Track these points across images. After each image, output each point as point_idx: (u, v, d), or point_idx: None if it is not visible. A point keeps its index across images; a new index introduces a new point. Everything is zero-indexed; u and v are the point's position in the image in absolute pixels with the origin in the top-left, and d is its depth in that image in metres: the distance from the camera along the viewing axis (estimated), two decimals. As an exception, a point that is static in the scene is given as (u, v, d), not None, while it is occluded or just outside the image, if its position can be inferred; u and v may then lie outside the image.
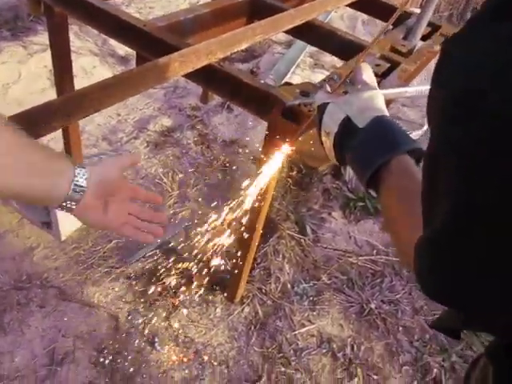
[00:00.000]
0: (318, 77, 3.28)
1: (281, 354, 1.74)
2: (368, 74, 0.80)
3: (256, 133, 2.74)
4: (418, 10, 2.18)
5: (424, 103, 0.45)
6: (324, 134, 0.78)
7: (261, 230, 1.62)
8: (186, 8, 1.49)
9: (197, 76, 1.22)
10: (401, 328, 1.93)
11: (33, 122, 0.84)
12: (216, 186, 2.30)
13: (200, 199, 2.23)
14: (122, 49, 3.10)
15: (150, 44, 1.31)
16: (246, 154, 2.56)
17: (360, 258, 2.18)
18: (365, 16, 4.30)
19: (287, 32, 1.57)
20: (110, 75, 2.88)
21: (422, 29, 1.75)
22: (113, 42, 3.13)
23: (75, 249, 1.90)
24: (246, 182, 1.36)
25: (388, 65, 1.49)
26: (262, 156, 1.29)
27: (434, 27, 1.86)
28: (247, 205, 1.51)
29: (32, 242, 1.91)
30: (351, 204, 2.44)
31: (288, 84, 1.25)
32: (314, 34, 1.62)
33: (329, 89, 0.89)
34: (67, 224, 1.90)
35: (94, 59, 2.89)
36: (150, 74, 1.05)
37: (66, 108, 0.89)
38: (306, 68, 3.36)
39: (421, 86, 1.03)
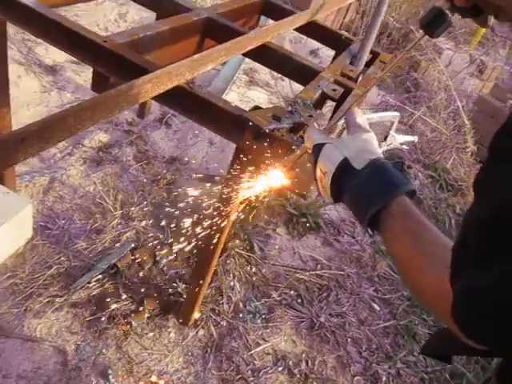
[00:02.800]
0: (255, 94, 3.34)
1: (239, 376, 1.72)
2: (361, 117, 0.83)
3: (197, 150, 2.71)
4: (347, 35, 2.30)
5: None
6: (320, 173, 0.80)
7: (220, 250, 1.60)
8: (145, 25, 1.45)
9: (166, 98, 1.18)
10: (349, 340, 2.01)
11: (8, 148, 0.76)
12: (161, 205, 2.24)
13: (145, 219, 2.15)
14: (50, 57, 2.91)
15: (112, 61, 1.25)
16: (188, 172, 2.51)
17: (306, 273, 2.24)
18: (292, 35, 4.47)
19: (245, 54, 1.58)
20: (38, 86, 2.69)
21: (366, 55, 1.87)
22: (39, 49, 2.93)
23: (10, 278, 1.73)
24: (207, 202, 1.34)
25: (342, 89, 1.56)
26: (229, 179, 1.28)
27: (374, 54, 1.98)
28: (206, 225, 1.49)
29: (-42, 271, 1.71)
30: (294, 220, 2.50)
31: (257, 108, 1.26)
32: (270, 56, 1.65)
33: (316, 126, 0.91)
34: (1, 250, 1.73)
35: (18, 68, 2.68)
36: (124, 97, 1.01)
37: (43, 133, 0.82)
38: (242, 85, 3.39)
39: (383, 113, 1.10)
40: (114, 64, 1.25)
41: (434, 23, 0.72)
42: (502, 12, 0.63)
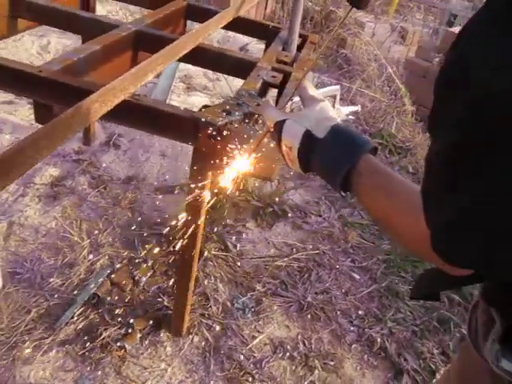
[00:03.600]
0: (196, 99, 3.35)
1: (243, 371, 1.74)
2: (312, 90, 0.88)
3: (151, 164, 2.70)
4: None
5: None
6: (285, 148, 0.83)
7: (198, 255, 1.62)
8: (75, 48, 1.44)
9: (114, 115, 1.18)
10: (338, 312, 2.07)
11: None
12: (128, 226, 2.21)
13: (115, 242, 2.13)
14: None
15: (52, 90, 1.24)
16: (148, 187, 2.50)
17: (284, 259, 2.28)
18: (218, 36, 4.51)
19: (181, 59, 1.60)
20: (-28, 134, 2.58)
21: (296, 39, 1.93)
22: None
23: (-10, 331, 1.68)
24: (179, 214, 1.34)
25: (281, 75, 1.62)
26: (192, 182, 1.30)
27: (303, 38, 2.05)
28: (178, 234, 1.50)
29: None
30: (260, 212, 2.54)
31: (206, 106, 1.28)
32: (206, 57, 1.68)
33: (273, 104, 0.95)
34: (-26, 306, 1.67)
35: None
36: (74, 120, 1.01)
37: (2, 169, 0.81)
38: (181, 93, 3.40)
39: (324, 89, 1.16)
40: (55, 92, 1.24)
41: None
42: None
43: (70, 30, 1.85)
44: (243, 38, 4.21)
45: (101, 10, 4.00)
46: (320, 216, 2.67)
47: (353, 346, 1.94)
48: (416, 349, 1.97)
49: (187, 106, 3.24)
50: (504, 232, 0.50)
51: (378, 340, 1.97)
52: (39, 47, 3.61)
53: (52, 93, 1.23)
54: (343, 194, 0.78)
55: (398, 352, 1.95)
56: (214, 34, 3.79)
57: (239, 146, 1.14)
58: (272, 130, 0.86)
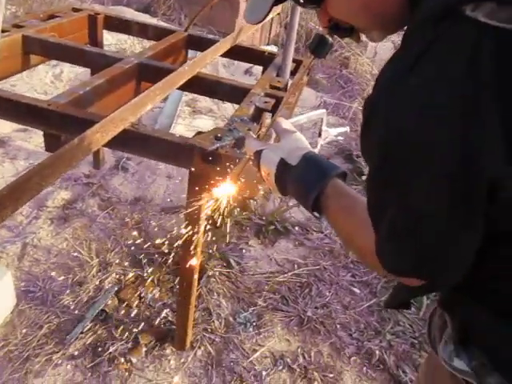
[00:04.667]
0: (201, 122, 3.48)
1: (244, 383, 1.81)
2: (286, 124, 0.98)
3: (157, 186, 2.82)
4: (268, 48, 2.47)
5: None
6: (265, 175, 0.93)
7: (198, 272, 1.71)
8: (82, 82, 1.57)
9: (116, 143, 1.30)
10: (338, 326, 2.13)
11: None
12: (135, 245, 2.32)
13: (122, 261, 2.23)
14: (-5, 132, 2.97)
15: (59, 121, 1.36)
16: (154, 208, 2.61)
17: (285, 275, 2.36)
18: (224, 60, 4.67)
19: (181, 88, 1.72)
20: (-11, 161, 2.74)
21: (290, 65, 2.04)
22: (-18, 127, 2.98)
23: (4, 346, 1.78)
24: (176, 231, 1.44)
25: (273, 100, 1.72)
26: (188, 204, 1.40)
27: (297, 62, 2.16)
28: (179, 251, 1.60)
29: (-49, 354, 1.74)
30: (263, 229, 2.63)
31: (200, 133, 1.39)
32: (203, 85, 1.80)
33: (254, 136, 1.05)
34: (-11, 323, 1.78)
35: (-34, 148, 2.73)
36: (78, 149, 1.12)
37: (13, 195, 0.92)
38: (187, 116, 3.54)
39: (310, 113, 1.26)
40: (61, 123, 1.36)
41: (319, 47, 0.88)
42: (363, 32, 0.78)
43: (78, 63, 2.00)
44: (247, 62, 4.37)
45: (110, 40, 4.19)
46: (322, 232, 2.74)
47: (352, 358, 2.00)
48: (414, 361, 2.02)
49: (192, 129, 3.38)
50: (430, 244, 0.59)
51: (377, 352, 2.02)
52: (52, 76, 3.80)
53: (59, 124, 1.35)
54: (316, 215, 0.86)
55: (397, 364, 2.00)
56: (219, 58, 3.94)
57: (229, 169, 1.24)
58: (252, 158, 0.96)
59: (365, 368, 1.97)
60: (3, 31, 1.82)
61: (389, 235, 0.61)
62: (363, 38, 0.81)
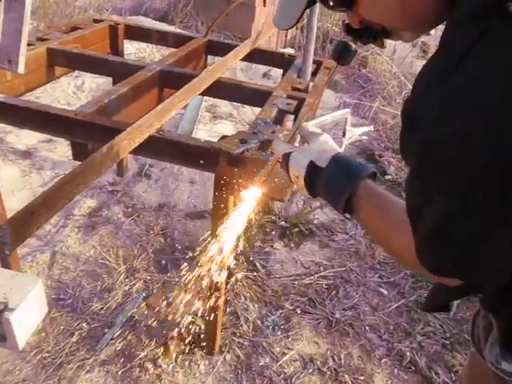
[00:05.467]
0: (221, 127, 3.50)
1: (274, 387, 1.80)
2: (311, 127, 0.97)
3: (180, 192, 2.84)
4: (285, 51, 2.46)
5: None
6: (293, 177, 0.93)
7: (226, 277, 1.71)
8: (107, 91, 1.59)
9: (142, 149, 1.31)
10: (367, 327, 2.11)
11: (23, 223, 0.88)
12: (161, 251, 2.34)
13: (149, 267, 2.25)
14: (22, 143, 3.04)
15: (86, 130, 1.38)
16: (178, 213, 2.63)
17: (311, 277, 2.34)
18: (242, 64, 4.68)
19: (202, 93, 1.73)
20: (17, 172, 2.80)
21: (310, 66, 2.03)
22: (10, 138, 3.06)
23: (38, 353, 1.81)
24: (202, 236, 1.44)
25: (296, 102, 1.72)
26: (215, 208, 1.41)
27: (317, 63, 2.15)
28: (206, 255, 1.60)
29: (-13, 361, 1.78)
30: (287, 232, 2.62)
31: (224, 137, 1.40)
32: (224, 90, 1.80)
33: (282, 138, 1.05)
34: (23, 331, 1.80)
35: (-5, 160, 2.80)
36: (106, 157, 1.14)
37: (47, 203, 0.94)
38: (208, 122, 3.56)
39: (334, 113, 1.25)
40: (89, 132, 1.38)
41: (342, 54, 0.88)
42: (392, 34, 0.77)
43: (101, 73, 2.03)
44: (265, 65, 4.37)
45: (130, 49, 4.25)
46: (346, 234, 2.71)
47: (382, 360, 1.97)
48: (447, 362, 1.98)
49: (213, 134, 3.40)
50: (469, 241, 0.57)
51: (408, 354, 1.98)
52: (75, 87, 3.87)
53: (86, 133, 1.38)
54: (348, 217, 0.85)
55: (429, 366, 1.96)
56: (237, 63, 3.97)
57: (255, 172, 1.24)
58: (280, 160, 0.96)
59: (396, 370, 1.94)
60: (28, 45, 1.86)
61: (428, 234, 0.60)
62: (386, 42, 0.80)
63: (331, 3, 0.74)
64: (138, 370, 1.79)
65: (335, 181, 0.84)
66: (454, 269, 0.61)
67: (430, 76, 0.57)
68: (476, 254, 0.58)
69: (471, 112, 0.51)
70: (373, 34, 0.77)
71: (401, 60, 5.01)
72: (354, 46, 0.86)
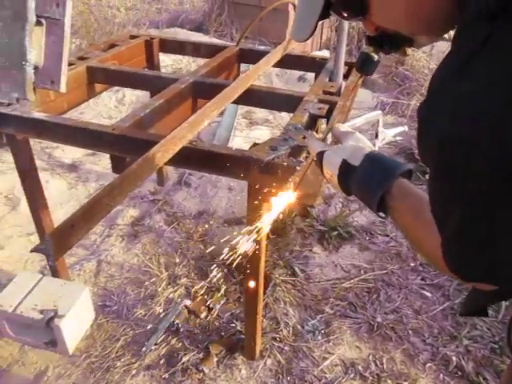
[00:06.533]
0: (258, 133, 3.53)
1: (315, 392, 1.79)
2: (343, 127, 0.98)
3: (219, 199, 2.88)
4: (320, 53, 2.45)
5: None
6: (328, 176, 0.94)
7: (263, 282, 1.72)
8: (143, 105, 1.65)
9: (176, 160, 1.35)
10: (410, 331, 2.06)
11: (64, 235, 0.93)
12: (201, 258, 2.39)
13: (190, 274, 2.30)
14: (68, 157, 3.19)
15: (123, 144, 1.44)
16: (217, 220, 2.67)
17: (351, 281, 2.32)
18: (277, 70, 4.70)
19: (235, 101, 1.76)
20: (65, 185, 2.95)
21: (342, 69, 2.02)
22: (57, 153, 3.22)
23: (86, 358, 1.89)
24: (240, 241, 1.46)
25: (327, 106, 1.71)
26: (249, 215, 1.42)
27: (349, 65, 2.14)
28: (244, 261, 1.62)
29: (40, 365, 1.88)
30: (326, 236, 2.61)
31: (255, 144, 1.42)
32: (256, 97, 1.83)
33: (317, 137, 1.06)
34: (72, 336, 1.89)
35: (44, 174, 2.94)
36: (142, 169, 1.18)
37: (86, 216, 0.99)
38: (244, 128, 3.60)
39: (366, 115, 1.25)
40: (125, 146, 1.44)
41: (365, 65, 0.88)
42: (412, 41, 0.77)
43: (138, 87, 2.10)
44: (300, 69, 4.37)
45: (167, 61, 4.37)
46: (387, 236, 2.67)
47: (427, 365, 1.92)
48: (496, 367, 1.90)
49: (250, 140, 3.43)
50: (504, 248, 0.56)
51: (454, 359, 1.92)
52: (116, 101, 4.02)
53: (123, 147, 1.43)
54: (381, 216, 0.85)
55: (477, 371, 1.89)
56: (272, 68, 3.99)
57: (286, 179, 1.25)
58: (315, 159, 0.98)
59: (441, 375, 1.88)
60: (70, 64, 1.96)
61: (452, 237, 0.59)
62: (409, 51, 0.80)
63: (344, 14, 0.75)
64: (181, 374, 1.83)
65: (369, 179, 0.84)
66: (479, 275, 0.60)
67: (440, 78, 0.57)
68: (494, 259, 0.57)
69: (478, 119, 0.51)
70: (393, 42, 0.77)
71: (440, 55, 4.87)
72: (376, 56, 0.86)
